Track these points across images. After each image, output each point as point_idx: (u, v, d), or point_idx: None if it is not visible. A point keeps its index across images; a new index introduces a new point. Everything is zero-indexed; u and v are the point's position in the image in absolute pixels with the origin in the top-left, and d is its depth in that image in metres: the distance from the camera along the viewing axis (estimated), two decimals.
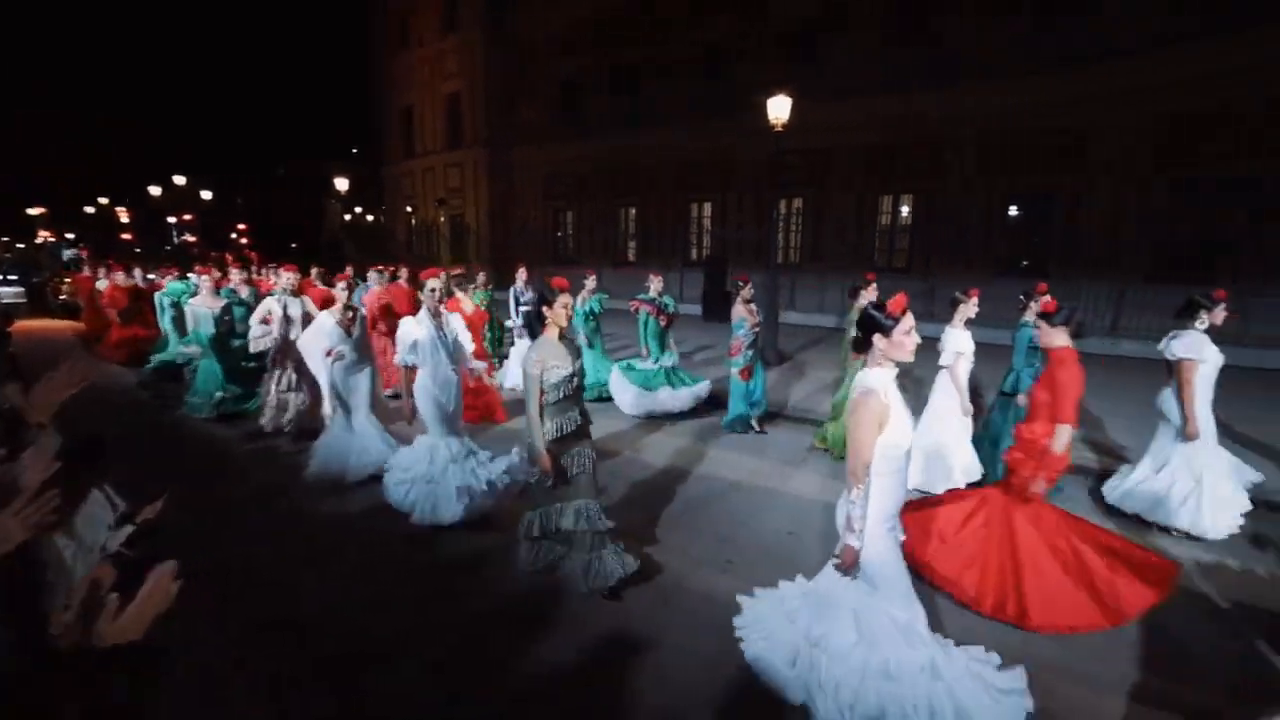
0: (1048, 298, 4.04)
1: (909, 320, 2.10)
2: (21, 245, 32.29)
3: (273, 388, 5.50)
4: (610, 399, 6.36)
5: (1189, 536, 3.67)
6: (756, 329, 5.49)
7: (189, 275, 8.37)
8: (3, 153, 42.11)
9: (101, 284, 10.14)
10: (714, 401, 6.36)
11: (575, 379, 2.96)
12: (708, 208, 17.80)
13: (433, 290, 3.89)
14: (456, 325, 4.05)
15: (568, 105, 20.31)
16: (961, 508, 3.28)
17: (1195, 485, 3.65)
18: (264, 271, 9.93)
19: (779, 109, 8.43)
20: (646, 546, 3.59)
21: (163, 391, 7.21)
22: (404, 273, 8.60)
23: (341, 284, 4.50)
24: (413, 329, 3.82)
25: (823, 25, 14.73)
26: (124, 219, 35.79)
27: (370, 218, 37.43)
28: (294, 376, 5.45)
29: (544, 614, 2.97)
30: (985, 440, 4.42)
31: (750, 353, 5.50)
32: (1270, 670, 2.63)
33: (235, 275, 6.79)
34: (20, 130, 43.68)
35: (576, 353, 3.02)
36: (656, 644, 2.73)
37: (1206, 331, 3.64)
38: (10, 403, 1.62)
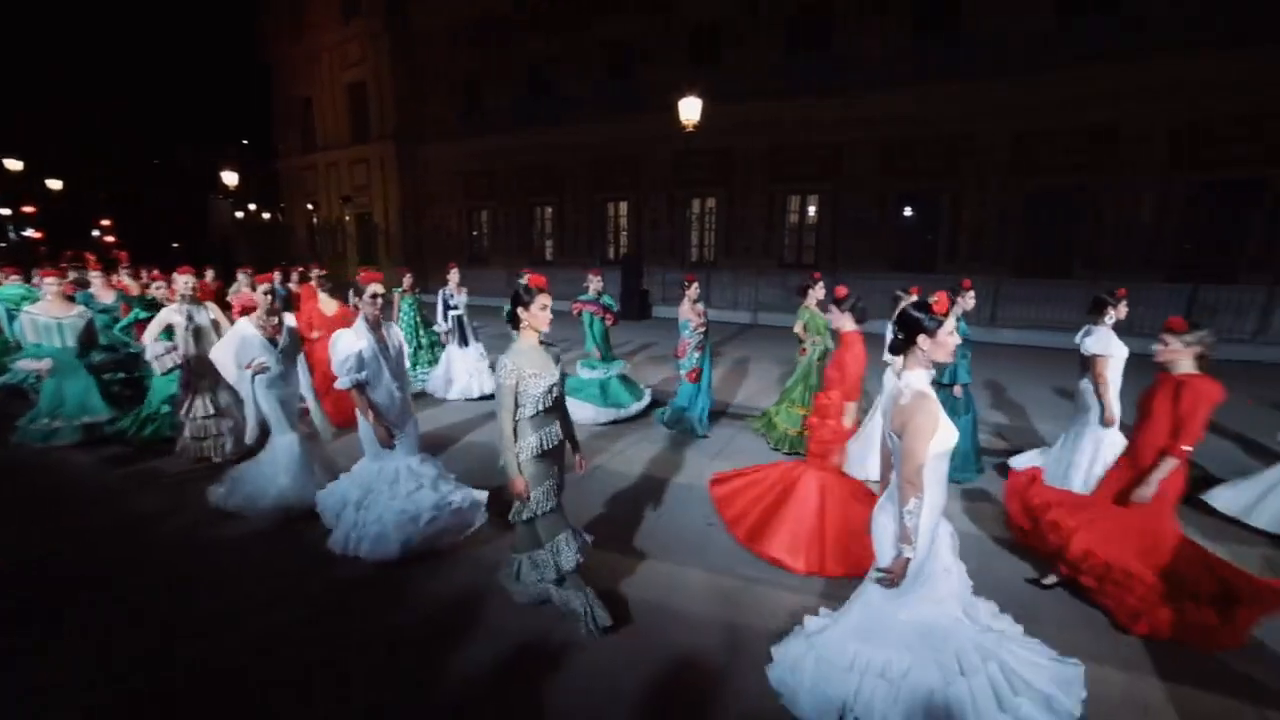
0: (836, 285, 4.11)
1: (951, 320, 2.09)
2: None
3: (187, 415, 4.75)
4: None
5: None
6: (703, 329, 5.43)
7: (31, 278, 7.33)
8: None
9: None
10: (656, 405, 6.27)
11: (555, 390, 2.67)
12: (623, 206, 17.91)
13: (374, 296, 3.42)
14: (399, 336, 3.65)
15: (479, 100, 19.73)
16: (766, 477, 3.69)
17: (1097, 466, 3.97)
18: (143, 275, 8.90)
19: (689, 110, 8.64)
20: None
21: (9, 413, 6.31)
22: (315, 273, 8.07)
23: (264, 286, 3.97)
24: (352, 341, 3.33)
25: (728, 29, 15.17)
26: None
27: (267, 215, 34.68)
28: (220, 398, 4.78)
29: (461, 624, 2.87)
30: None
31: (698, 355, 5.43)
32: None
33: (95, 279, 6.04)
34: None
35: (556, 359, 2.75)
36: (574, 643, 2.72)
37: (1114, 326, 3.97)
38: None
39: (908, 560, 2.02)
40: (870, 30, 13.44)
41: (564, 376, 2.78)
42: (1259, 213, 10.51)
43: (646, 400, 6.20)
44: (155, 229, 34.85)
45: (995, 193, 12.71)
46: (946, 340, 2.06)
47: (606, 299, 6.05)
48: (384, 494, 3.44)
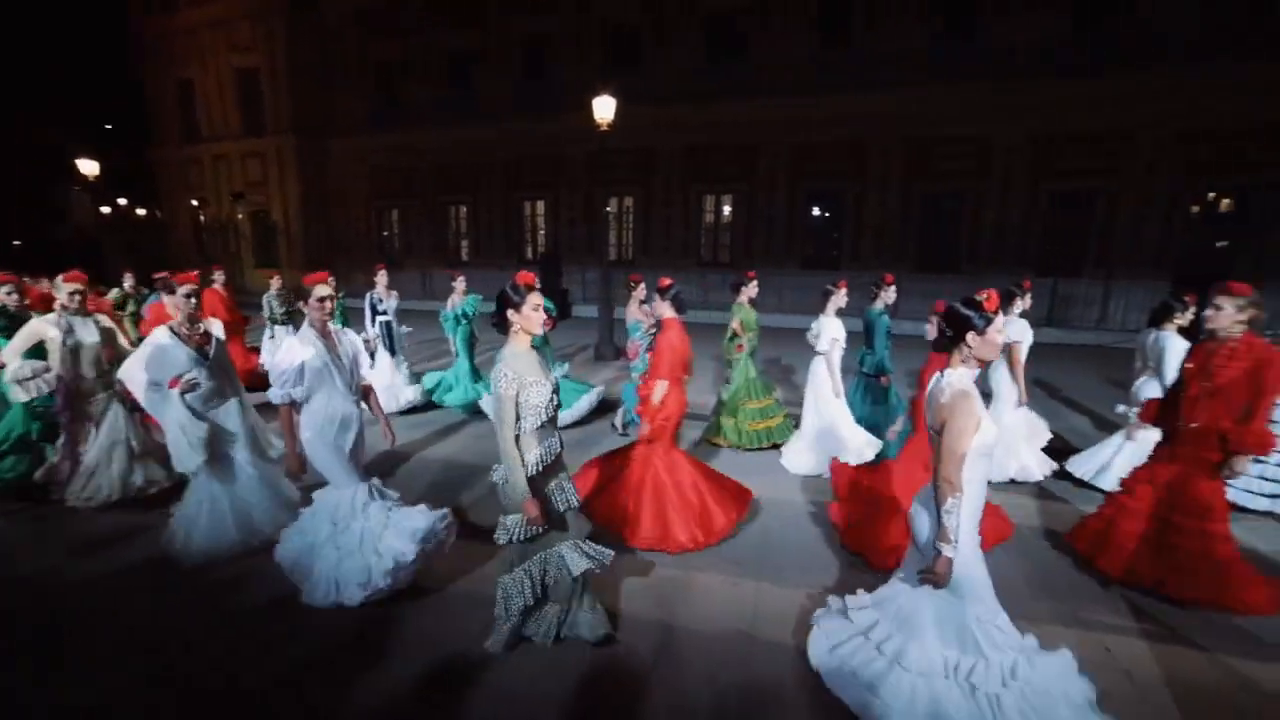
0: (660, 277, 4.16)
1: (1001, 318, 2.06)
2: None
3: (64, 450, 4.02)
4: (484, 414, 5.75)
5: (1013, 481, 4.43)
6: (653, 330, 5.16)
7: None
8: None
9: None
10: (606, 407, 6.17)
11: (555, 397, 2.47)
12: (540, 205, 17.74)
13: (322, 300, 3.03)
14: (354, 343, 3.23)
15: (390, 92, 18.78)
16: (614, 463, 3.84)
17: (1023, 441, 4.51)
18: None
19: (604, 109, 8.70)
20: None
21: None
22: (219, 275, 7.40)
23: (185, 288, 3.42)
24: (296, 350, 2.91)
25: (649, 31, 15.45)
26: None
27: (142, 211, 31.12)
28: (119, 428, 4.07)
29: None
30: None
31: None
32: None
33: None
34: None
35: (547, 365, 2.54)
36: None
37: (1022, 315, 4.40)
38: None
39: (950, 560, 1.99)
40: (782, 39, 14.18)
41: (558, 383, 2.59)
42: (1094, 218, 12.51)
43: (589, 403, 5.97)
44: None
45: (895, 195, 13.87)
46: (995, 338, 2.03)
47: (547, 302, 5.82)
48: (356, 526, 2.99)
